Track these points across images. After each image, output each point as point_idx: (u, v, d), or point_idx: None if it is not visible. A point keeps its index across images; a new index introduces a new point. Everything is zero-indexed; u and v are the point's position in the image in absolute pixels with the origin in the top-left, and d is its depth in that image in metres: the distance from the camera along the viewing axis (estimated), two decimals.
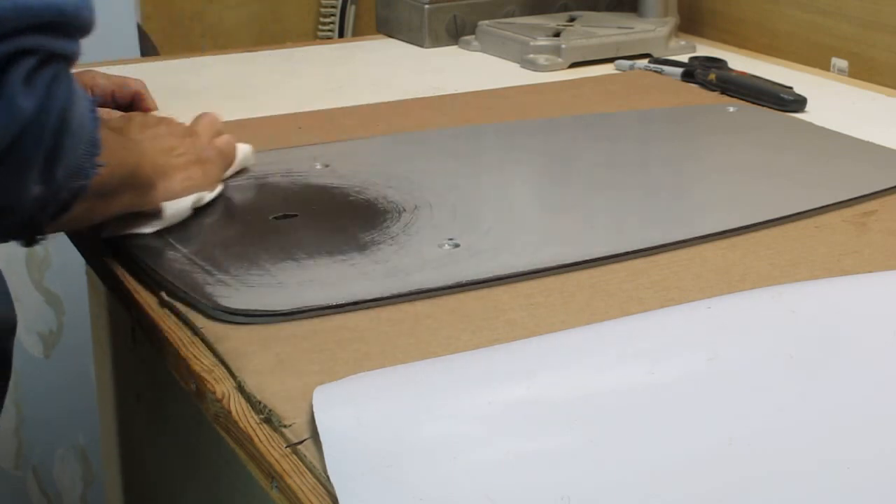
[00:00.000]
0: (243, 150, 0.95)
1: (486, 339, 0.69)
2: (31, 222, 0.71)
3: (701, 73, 1.26)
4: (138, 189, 0.82)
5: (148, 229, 0.83)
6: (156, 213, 0.84)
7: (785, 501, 0.54)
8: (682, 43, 1.42)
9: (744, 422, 0.58)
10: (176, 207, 0.85)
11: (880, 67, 1.31)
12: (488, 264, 0.78)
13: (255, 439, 0.62)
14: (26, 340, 1.64)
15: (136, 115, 0.97)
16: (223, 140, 0.93)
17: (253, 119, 1.11)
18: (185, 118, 0.94)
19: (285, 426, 0.61)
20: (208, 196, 0.88)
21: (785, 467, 0.55)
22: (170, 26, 2.03)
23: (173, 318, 0.74)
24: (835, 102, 1.21)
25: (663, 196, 0.95)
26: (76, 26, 0.67)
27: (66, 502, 1.69)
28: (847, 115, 1.16)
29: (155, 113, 1.07)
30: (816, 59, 1.38)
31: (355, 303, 0.73)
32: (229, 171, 0.93)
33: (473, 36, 1.44)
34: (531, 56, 1.35)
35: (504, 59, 1.39)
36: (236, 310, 0.72)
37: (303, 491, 0.57)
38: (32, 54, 0.64)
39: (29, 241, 0.74)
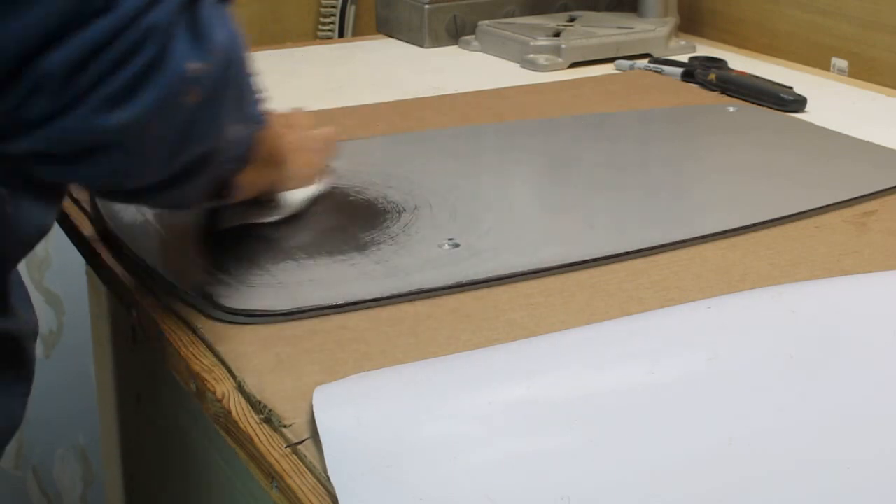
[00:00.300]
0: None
1: (486, 339, 0.69)
2: (224, 172, 0.70)
3: (701, 73, 1.26)
4: (276, 169, 0.82)
5: (268, 219, 0.85)
6: (274, 204, 0.85)
7: (785, 501, 0.54)
8: (682, 43, 1.42)
9: (744, 422, 0.58)
10: (292, 197, 0.87)
11: (880, 67, 1.31)
12: (488, 264, 0.78)
13: (255, 439, 0.62)
14: None
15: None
16: (324, 132, 0.91)
17: None
18: None
19: (285, 426, 0.61)
20: (312, 189, 0.88)
21: (785, 467, 0.55)
22: None
23: (173, 318, 0.74)
24: (835, 102, 1.21)
25: (663, 196, 0.95)
26: None
27: (66, 502, 1.69)
28: (847, 115, 1.16)
29: None
30: (816, 59, 1.38)
31: (355, 303, 0.73)
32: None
33: (473, 36, 1.44)
34: (531, 56, 1.35)
35: (504, 59, 1.39)
36: (236, 310, 0.72)
37: (303, 491, 0.57)
38: None
39: (217, 198, 0.74)
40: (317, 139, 0.89)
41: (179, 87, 0.59)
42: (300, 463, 0.59)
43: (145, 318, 0.77)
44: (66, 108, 0.57)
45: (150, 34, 0.57)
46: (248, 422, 0.63)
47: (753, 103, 1.19)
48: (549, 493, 0.53)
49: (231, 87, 0.64)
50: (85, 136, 0.58)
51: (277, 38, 2.09)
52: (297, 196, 0.87)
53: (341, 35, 2.11)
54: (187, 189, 0.67)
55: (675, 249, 0.82)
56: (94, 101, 0.57)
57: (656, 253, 0.82)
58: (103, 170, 0.61)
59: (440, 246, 0.81)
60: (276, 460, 0.60)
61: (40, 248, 0.66)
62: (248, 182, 0.76)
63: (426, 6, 1.43)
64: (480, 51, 1.43)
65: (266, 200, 0.85)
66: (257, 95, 0.69)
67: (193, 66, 0.59)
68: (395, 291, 0.75)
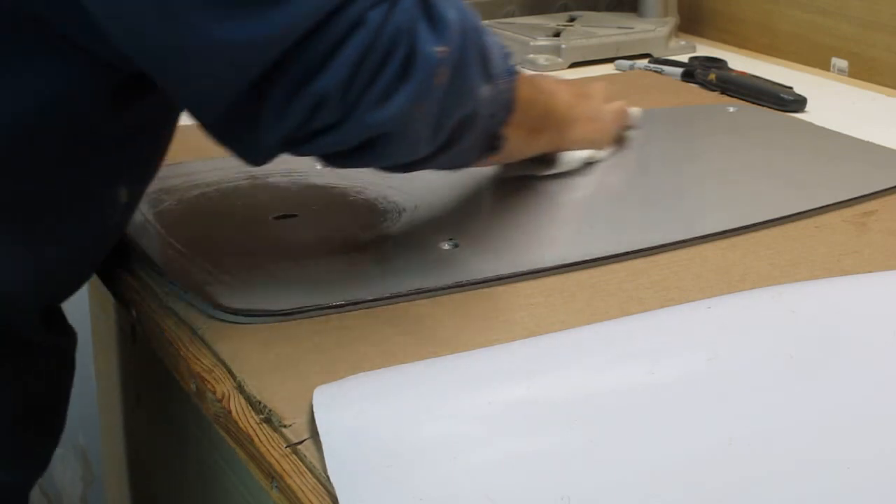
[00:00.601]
0: (634, 112, 1.05)
1: (486, 339, 0.69)
2: (490, 126, 0.77)
3: (701, 73, 1.26)
4: (555, 130, 0.91)
5: (543, 172, 0.93)
6: (550, 160, 0.94)
7: (785, 501, 0.54)
8: (682, 43, 1.42)
9: (744, 422, 0.58)
10: (571, 157, 0.95)
11: (880, 67, 1.31)
12: (488, 264, 0.78)
13: (255, 439, 0.62)
14: None
15: (532, 74, 1.01)
16: (616, 104, 1.01)
17: None
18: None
19: (285, 426, 0.61)
20: (600, 154, 0.98)
21: (785, 467, 0.55)
22: None
23: (173, 318, 0.74)
24: (835, 102, 1.21)
25: (663, 196, 0.95)
26: None
27: (66, 502, 1.69)
28: (847, 115, 1.16)
29: None
30: (816, 59, 1.38)
31: (355, 303, 0.73)
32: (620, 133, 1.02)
33: None
34: (531, 56, 1.35)
35: None
36: (236, 310, 0.72)
37: (303, 491, 0.57)
38: None
39: (488, 150, 0.80)
40: (608, 110, 0.99)
41: (431, 73, 0.67)
42: (300, 463, 0.59)
43: (145, 318, 0.77)
44: (345, 117, 0.66)
45: (398, 38, 0.66)
46: (248, 422, 0.63)
47: (753, 103, 1.19)
48: (549, 493, 0.53)
49: (471, 55, 0.71)
50: (363, 134, 0.68)
51: None
52: (576, 156, 0.95)
53: None
54: (459, 150, 0.76)
55: (675, 249, 0.82)
56: (366, 105, 0.66)
57: (656, 253, 0.82)
58: (382, 154, 0.70)
59: (440, 246, 0.81)
60: (276, 460, 0.60)
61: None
62: (520, 137, 0.84)
63: None
64: None
65: (546, 157, 0.94)
66: (500, 53, 0.76)
67: (438, 50, 0.67)
68: (395, 291, 0.75)
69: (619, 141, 1.02)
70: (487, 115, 0.76)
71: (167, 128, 0.78)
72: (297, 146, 0.69)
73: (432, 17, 0.68)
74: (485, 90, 0.73)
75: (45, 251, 0.72)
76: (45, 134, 0.68)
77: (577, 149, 0.95)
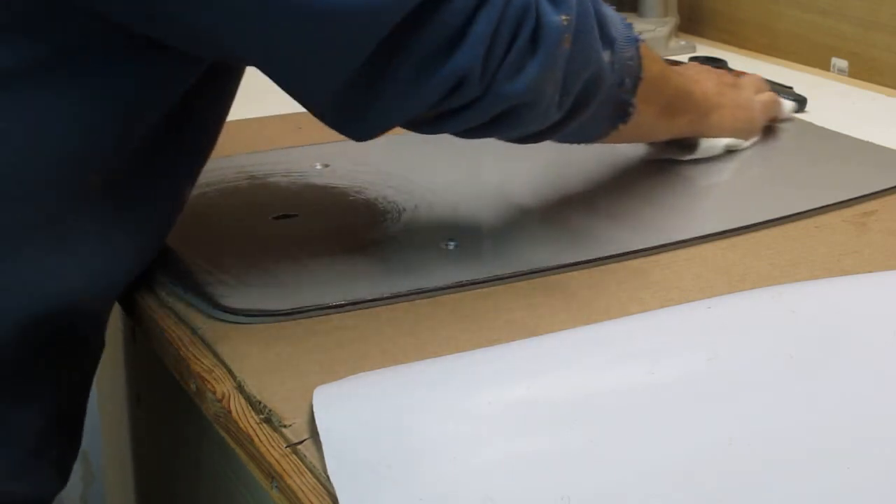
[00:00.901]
0: (787, 105, 1.08)
1: (486, 339, 0.69)
2: (616, 95, 0.80)
3: None
4: (696, 114, 0.92)
5: (682, 157, 0.96)
6: (691, 145, 0.95)
7: (785, 501, 0.54)
8: (682, 43, 1.42)
9: (744, 422, 0.58)
10: (710, 143, 0.97)
11: (880, 67, 1.31)
12: (488, 264, 0.78)
13: (255, 439, 0.61)
14: None
15: (690, 64, 1.08)
16: (767, 96, 1.03)
17: (253, 119, 1.11)
18: None
19: (285, 426, 0.61)
20: (744, 144, 0.99)
21: (785, 467, 0.55)
22: None
23: (173, 318, 0.74)
24: (835, 102, 1.21)
25: (663, 196, 0.95)
26: None
27: (66, 502, 1.69)
28: (847, 115, 1.16)
29: None
30: (816, 59, 1.37)
31: (355, 303, 0.73)
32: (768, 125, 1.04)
33: None
34: None
35: None
36: (236, 310, 0.72)
37: (303, 491, 0.57)
38: None
39: (617, 119, 0.82)
40: (758, 100, 1.01)
41: (557, 41, 0.70)
42: (300, 463, 0.59)
43: (145, 318, 0.77)
44: (485, 91, 0.68)
45: (525, 10, 0.68)
46: (248, 422, 0.63)
47: None
48: (549, 493, 0.53)
49: (590, 21, 0.73)
50: (497, 108, 0.70)
51: None
52: (717, 143, 0.97)
53: None
54: (588, 118, 0.78)
55: (675, 249, 0.82)
56: (502, 77, 0.68)
57: (656, 253, 0.82)
58: (515, 123, 0.73)
59: (440, 246, 0.81)
60: (276, 460, 0.60)
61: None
62: (652, 114, 0.86)
63: None
64: None
65: (686, 141, 0.96)
66: (617, 20, 0.78)
67: (562, 18, 0.70)
68: (395, 291, 0.75)
69: (767, 132, 1.04)
70: (614, 82, 0.78)
71: (221, 122, 0.79)
72: (425, 126, 0.71)
73: None
74: (606, 55, 0.76)
75: (127, 248, 0.73)
76: (128, 132, 0.68)
77: (721, 136, 0.98)
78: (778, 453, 0.56)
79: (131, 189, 0.71)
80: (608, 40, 0.76)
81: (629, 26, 0.80)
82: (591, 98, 0.77)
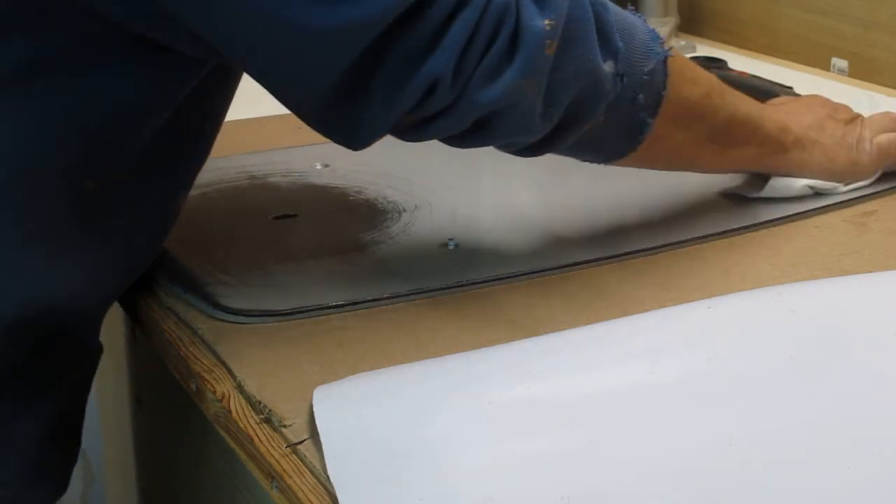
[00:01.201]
0: None
1: (486, 339, 0.69)
2: (630, 113, 0.74)
3: None
4: (767, 147, 0.85)
5: (748, 193, 0.88)
6: (761, 181, 0.87)
7: (785, 501, 0.54)
8: (682, 43, 1.42)
9: (744, 422, 0.58)
10: (784, 182, 0.87)
11: (880, 67, 1.31)
12: (488, 264, 0.78)
13: (255, 439, 0.61)
14: None
15: (806, 97, 0.98)
16: (887, 138, 0.91)
17: (253, 119, 1.11)
18: None
19: (285, 426, 0.61)
20: (841, 188, 0.89)
21: (785, 467, 0.55)
22: None
23: (173, 318, 0.74)
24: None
25: (663, 196, 0.94)
26: None
27: (66, 502, 1.69)
28: None
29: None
30: (816, 59, 1.37)
31: (355, 303, 0.73)
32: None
33: None
34: None
35: None
36: (236, 310, 0.72)
37: (303, 491, 0.57)
38: None
39: (632, 139, 0.77)
40: (871, 143, 0.90)
41: (539, 47, 0.66)
42: (300, 463, 0.59)
43: (145, 318, 0.77)
44: (457, 98, 0.66)
45: (504, 13, 0.65)
46: (248, 422, 0.63)
47: None
48: (549, 493, 0.53)
49: (584, 27, 0.69)
50: (473, 114, 0.67)
51: None
52: (793, 183, 0.88)
53: None
54: (592, 135, 0.74)
55: (675, 249, 0.82)
56: (476, 84, 0.65)
57: (656, 253, 0.82)
58: (498, 132, 0.70)
59: (440, 246, 0.81)
60: (276, 460, 0.60)
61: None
62: (688, 142, 0.80)
63: None
64: None
65: (758, 176, 0.88)
66: (639, 32, 0.74)
67: (545, 23, 0.66)
68: (395, 291, 0.75)
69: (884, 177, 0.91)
70: (624, 97, 0.73)
71: (219, 125, 0.78)
72: (406, 132, 0.69)
73: None
74: (608, 65, 0.71)
75: (122, 253, 0.73)
76: (126, 135, 0.68)
77: (807, 175, 0.88)
78: (778, 453, 0.56)
79: (127, 193, 0.71)
80: (610, 50, 0.71)
81: (655, 38, 0.75)
82: (588, 111, 0.72)
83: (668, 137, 0.78)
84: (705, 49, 1.42)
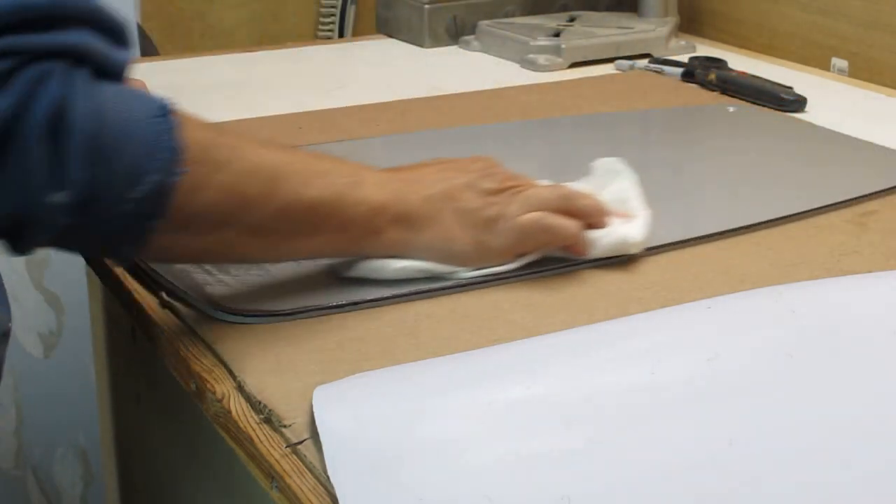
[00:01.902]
0: (609, 239, 0.78)
1: (486, 339, 0.69)
2: (90, 234, 0.64)
3: (701, 73, 1.26)
4: (341, 232, 0.72)
5: (340, 272, 0.75)
6: (352, 260, 0.75)
7: (785, 501, 0.54)
8: (682, 43, 1.42)
9: (744, 422, 0.58)
10: (378, 264, 0.74)
11: (880, 67, 1.31)
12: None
13: (255, 439, 0.62)
14: (26, 340, 1.64)
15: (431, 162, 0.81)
16: (531, 218, 0.75)
17: (253, 119, 1.11)
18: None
19: (285, 426, 0.61)
20: (463, 273, 0.75)
21: (785, 467, 0.55)
22: (170, 26, 2.02)
23: (173, 318, 0.74)
24: (835, 102, 1.21)
25: (663, 196, 0.94)
26: (65, 17, 0.61)
27: (66, 502, 1.69)
28: (847, 115, 1.16)
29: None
30: (816, 59, 1.38)
31: (355, 303, 0.73)
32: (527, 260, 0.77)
33: (473, 36, 1.44)
34: (531, 56, 1.35)
35: (504, 59, 1.39)
36: (236, 310, 0.72)
37: (303, 491, 0.57)
38: (8, 56, 0.59)
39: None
40: (512, 221, 0.75)
41: None
42: (300, 463, 0.59)
43: (145, 318, 0.77)
44: None
45: None
46: (248, 422, 0.63)
47: (753, 103, 1.19)
48: (549, 493, 0.53)
49: (23, 154, 0.60)
50: None
51: (277, 38, 2.09)
52: (387, 266, 0.74)
53: (341, 35, 2.11)
54: (67, 241, 0.65)
55: (675, 249, 0.82)
56: None
57: (657, 253, 0.82)
58: None
59: None
60: (276, 460, 0.60)
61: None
62: (200, 241, 0.68)
63: (426, 6, 1.43)
64: (480, 51, 1.43)
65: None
66: (107, 153, 0.62)
67: None
68: (395, 291, 0.74)
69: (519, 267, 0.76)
70: (106, 218, 0.63)
71: None
72: None
73: None
74: (59, 196, 0.61)
75: None
76: None
77: (416, 257, 0.74)
78: (778, 453, 0.56)
79: None
80: (63, 180, 0.60)
81: (168, 151, 0.63)
82: (27, 241, 0.63)
83: (183, 244, 0.68)
84: (705, 49, 1.42)
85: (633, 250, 0.78)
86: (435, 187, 0.75)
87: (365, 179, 0.73)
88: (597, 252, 0.77)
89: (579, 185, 0.81)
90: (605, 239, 0.77)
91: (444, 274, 0.75)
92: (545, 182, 0.80)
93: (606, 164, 0.85)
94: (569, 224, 0.76)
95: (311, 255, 0.75)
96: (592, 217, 0.78)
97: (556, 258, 0.78)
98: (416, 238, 0.74)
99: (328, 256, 0.75)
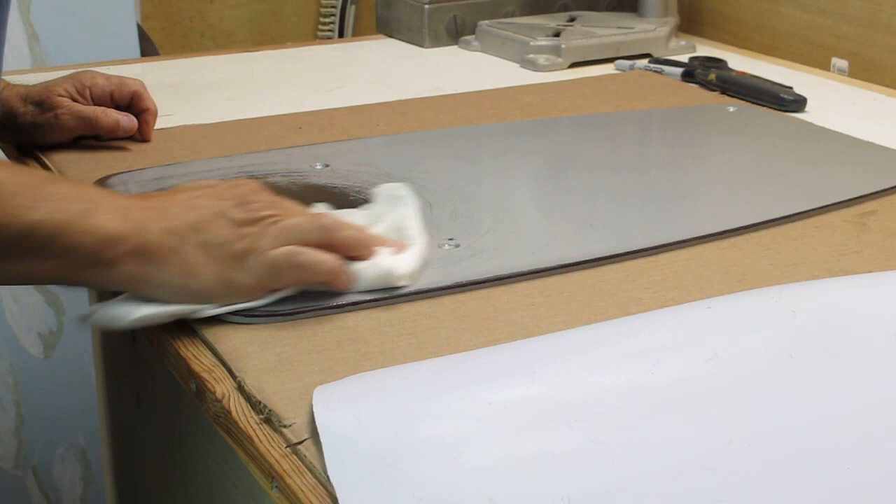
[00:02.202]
0: (372, 272, 0.73)
1: (486, 339, 0.69)
2: None
3: (701, 73, 1.26)
4: (61, 259, 0.67)
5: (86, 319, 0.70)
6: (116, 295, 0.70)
7: (785, 501, 0.54)
8: (682, 43, 1.42)
9: (744, 422, 0.58)
10: (112, 314, 0.69)
11: (880, 67, 1.31)
12: (488, 264, 0.78)
13: (255, 439, 0.62)
14: (26, 340, 1.64)
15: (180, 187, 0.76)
16: (283, 253, 0.70)
17: (253, 119, 1.11)
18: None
19: (285, 426, 0.61)
20: (195, 310, 0.70)
21: (785, 468, 0.55)
22: (170, 26, 2.03)
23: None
24: (835, 102, 1.21)
25: (663, 196, 0.95)
26: None
27: (66, 502, 1.69)
28: (847, 115, 1.16)
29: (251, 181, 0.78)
30: (816, 59, 1.38)
31: (355, 303, 0.73)
32: (284, 294, 0.72)
33: (473, 36, 1.45)
34: (531, 56, 1.35)
35: (504, 59, 1.39)
36: (236, 310, 0.72)
37: (303, 491, 0.57)
38: None
39: None
40: (262, 255, 0.70)
41: None
42: (300, 463, 0.59)
43: None
44: None
45: None
46: (248, 422, 0.63)
47: (753, 103, 1.19)
48: (549, 493, 0.53)
49: None
50: None
51: (277, 38, 2.09)
52: (131, 311, 0.69)
53: (341, 35, 2.12)
54: None
55: (675, 249, 0.82)
56: None
57: (656, 253, 0.82)
58: None
59: (440, 246, 0.81)
60: (276, 460, 0.60)
61: None
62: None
63: (426, 6, 1.43)
64: (480, 51, 1.43)
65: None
66: None
67: None
68: (395, 291, 0.74)
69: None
70: None
71: None
72: None
73: None
74: None
75: None
76: None
77: (156, 294, 0.69)
78: (778, 453, 0.56)
79: None
80: None
81: None
82: None
83: None
84: (705, 49, 1.42)
85: (401, 282, 0.73)
86: (180, 218, 0.69)
87: (101, 207, 0.68)
88: (360, 285, 0.73)
89: (355, 214, 0.78)
90: (369, 271, 0.73)
91: (187, 313, 0.70)
92: (320, 208, 0.76)
93: (388, 190, 0.83)
94: (324, 259, 0.71)
95: (29, 281, 0.69)
96: (354, 250, 0.73)
97: (315, 292, 0.72)
98: (156, 274, 0.68)
99: (47, 283, 0.70)
